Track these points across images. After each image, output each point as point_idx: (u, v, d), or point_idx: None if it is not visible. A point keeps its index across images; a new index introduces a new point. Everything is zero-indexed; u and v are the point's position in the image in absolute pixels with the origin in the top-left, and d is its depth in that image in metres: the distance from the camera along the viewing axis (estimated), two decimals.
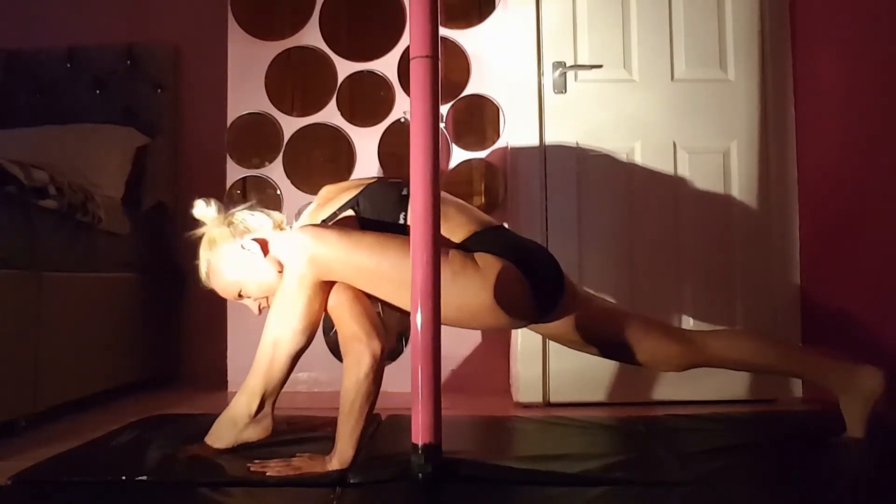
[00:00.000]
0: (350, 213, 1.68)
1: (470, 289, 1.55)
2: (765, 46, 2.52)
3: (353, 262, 1.53)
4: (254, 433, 1.66)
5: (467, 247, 1.61)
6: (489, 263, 1.57)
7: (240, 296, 1.79)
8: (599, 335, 1.78)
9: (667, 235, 2.48)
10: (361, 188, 1.71)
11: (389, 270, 1.52)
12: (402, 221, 1.64)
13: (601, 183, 2.49)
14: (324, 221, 1.69)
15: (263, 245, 1.76)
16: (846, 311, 2.22)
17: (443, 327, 1.38)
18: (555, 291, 1.67)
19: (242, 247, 1.75)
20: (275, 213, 1.84)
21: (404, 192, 1.65)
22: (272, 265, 1.75)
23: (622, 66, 2.52)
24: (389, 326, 1.94)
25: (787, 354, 1.84)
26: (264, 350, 1.61)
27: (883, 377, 1.69)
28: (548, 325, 1.77)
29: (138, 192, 2.93)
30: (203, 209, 1.77)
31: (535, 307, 1.64)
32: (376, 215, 1.65)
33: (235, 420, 1.65)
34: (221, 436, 1.66)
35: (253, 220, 1.78)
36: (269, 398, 1.65)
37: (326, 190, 1.80)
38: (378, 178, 1.79)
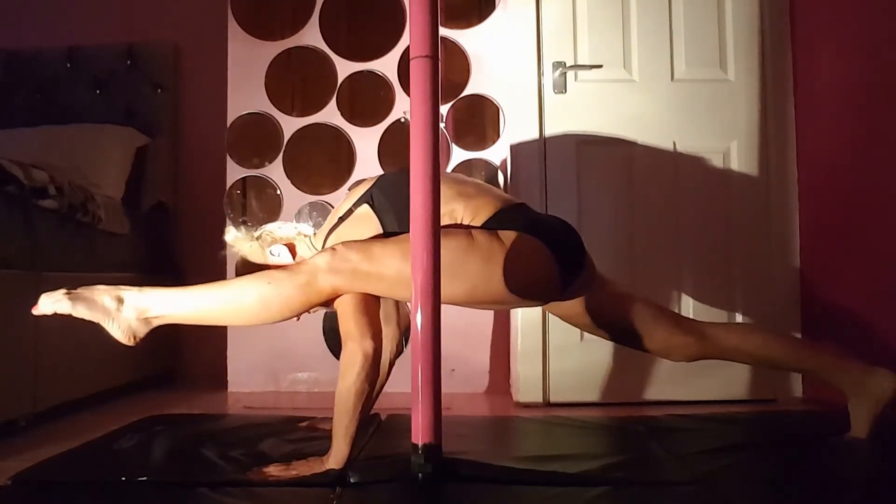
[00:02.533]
0: (366, 208, 1.67)
1: (498, 270, 1.53)
2: (765, 46, 2.52)
3: (376, 275, 1.53)
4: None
5: (492, 226, 1.59)
6: (515, 241, 1.56)
7: None
8: (612, 320, 1.78)
9: (667, 235, 2.48)
10: (376, 179, 1.72)
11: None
12: None
13: (601, 183, 2.49)
14: (340, 219, 1.70)
15: (291, 248, 1.78)
16: (845, 305, 2.22)
17: (443, 326, 1.38)
18: (576, 264, 1.66)
19: (272, 254, 1.77)
20: (302, 226, 1.86)
21: None
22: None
23: (622, 66, 2.52)
24: (402, 323, 1.94)
25: (798, 351, 1.83)
26: (208, 291, 1.55)
27: None
28: (562, 304, 1.77)
29: (138, 192, 2.93)
30: (234, 234, 1.82)
31: (560, 282, 1.63)
32: (391, 206, 1.64)
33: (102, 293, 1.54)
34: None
35: (280, 231, 1.81)
36: (159, 316, 1.56)
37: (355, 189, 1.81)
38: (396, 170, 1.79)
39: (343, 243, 1.57)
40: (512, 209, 1.65)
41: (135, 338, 1.57)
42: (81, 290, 1.53)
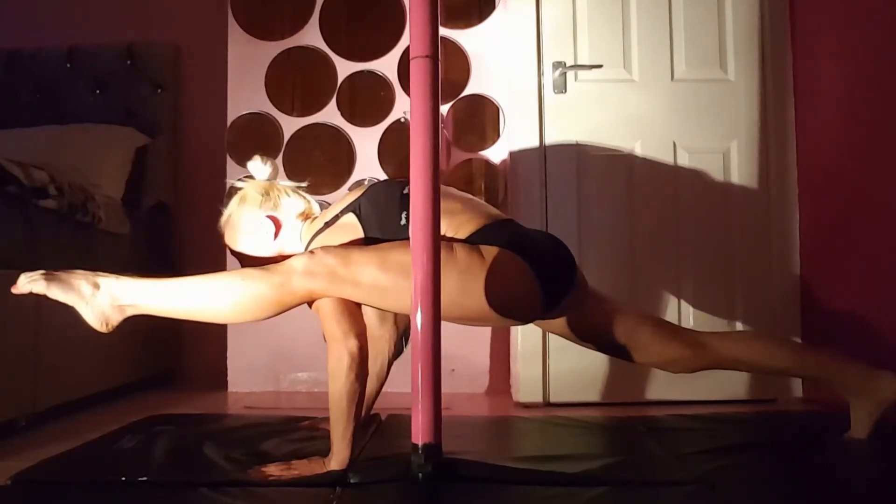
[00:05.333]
0: (351, 217, 1.66)
1: (476, 285, 1.52)
2: (765, 46, 2.52)
3: (351, 281, 1.51)
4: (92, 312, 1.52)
5: (474, 241, 1.58)
6: (496, 257, 1.54)
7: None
8: (607, 335, 1.75)
9: (667, 235, 2.48)
10: (366, 189, 1.70)
11: (391, 285, 1.50)
12: (402, 222, 1.61)
13: (601, 183, 2.49)
14: (326, 224, 1.68)
15: (277, 227, 1.75)
16: (845, 307, 2.22)
17: (443, 326, 1.37)
18: (564, 284, 1.63)
19: (260, 222, 1.74)
20: (313, 203, 1.82)
21: (405, 192, 1.62)
22: (276, 251, 1.75)
23: (622, 66, 2.52)
24: (400, 324, 1.93)
25: (798, 355, 1.81)
26: (184, 284, 1.55)
27: None
28: (553, 320, 1.75)
29: (138, 192, 2.93)
30: (258, 165, 1.80)
31: (543, 302, 1.60)
32: (377, 217, 1.63)
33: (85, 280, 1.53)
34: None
35: (287, 200, 1.77)
36: (132, 305, 1.53)
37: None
38: (386, 179, 1.78)
39: (322, 248, 1.56)
40: (497, 225, 1.63)
41: (108, 324, 1.53)
42: (59, 273, 1.52)
